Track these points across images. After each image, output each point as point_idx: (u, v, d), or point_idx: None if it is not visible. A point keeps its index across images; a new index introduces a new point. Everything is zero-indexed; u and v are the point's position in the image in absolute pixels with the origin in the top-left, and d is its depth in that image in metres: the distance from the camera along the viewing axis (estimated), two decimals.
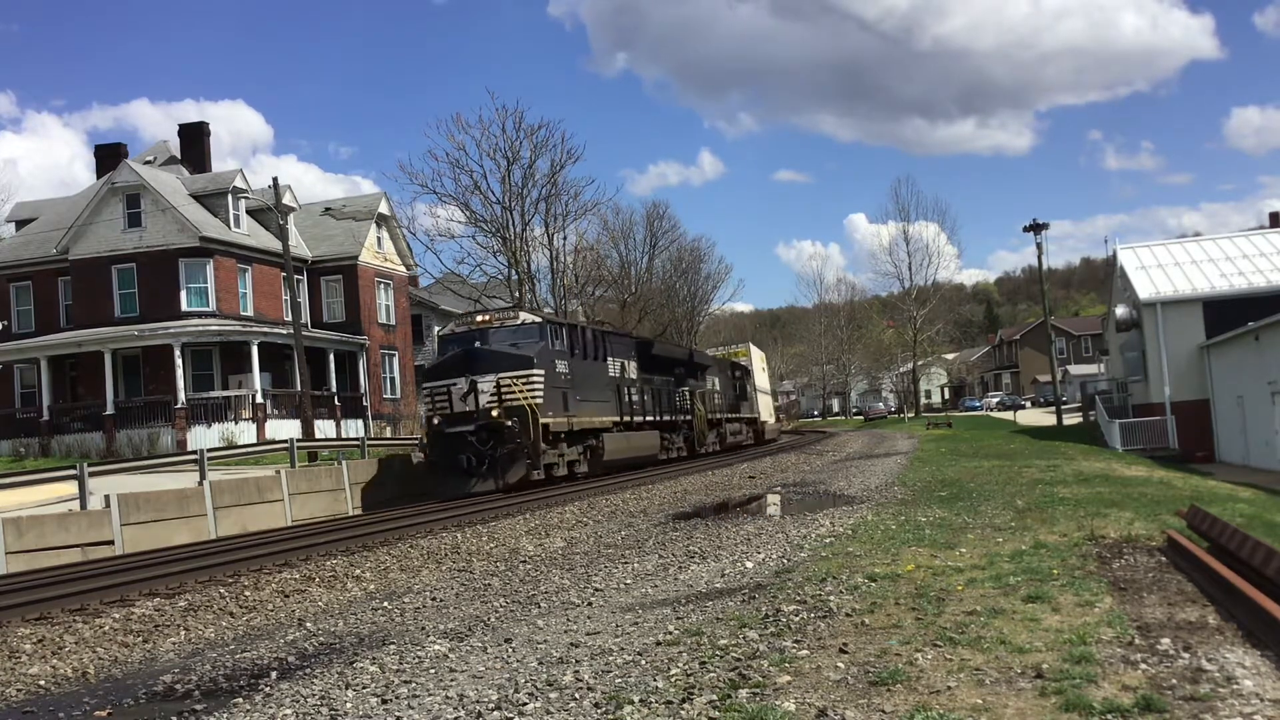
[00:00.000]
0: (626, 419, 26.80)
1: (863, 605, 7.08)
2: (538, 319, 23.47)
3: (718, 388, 38.90)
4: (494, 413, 20.79)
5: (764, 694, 5.08)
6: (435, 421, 21.46)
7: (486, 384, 21.18)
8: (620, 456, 25.80)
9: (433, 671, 6.25)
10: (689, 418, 33.23)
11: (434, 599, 9.44)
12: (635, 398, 27.84)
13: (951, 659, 5.48)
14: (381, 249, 43.32)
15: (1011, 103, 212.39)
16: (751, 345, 52.93)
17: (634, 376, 28.17)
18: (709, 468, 27.56)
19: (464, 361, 21.77)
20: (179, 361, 33.70)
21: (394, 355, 42.94)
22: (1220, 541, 8.35)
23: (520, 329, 22.75)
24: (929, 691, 4.93)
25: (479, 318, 24.11)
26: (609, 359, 26.43)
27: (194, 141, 43.81)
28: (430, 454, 21.96)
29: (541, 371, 21.63)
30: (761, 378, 51.61)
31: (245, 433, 33.47)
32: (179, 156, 43.14)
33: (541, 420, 21.12)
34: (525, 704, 5.28)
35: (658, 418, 29.61)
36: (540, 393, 21.30)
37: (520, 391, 20.95)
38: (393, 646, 7.20)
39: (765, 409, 50.73)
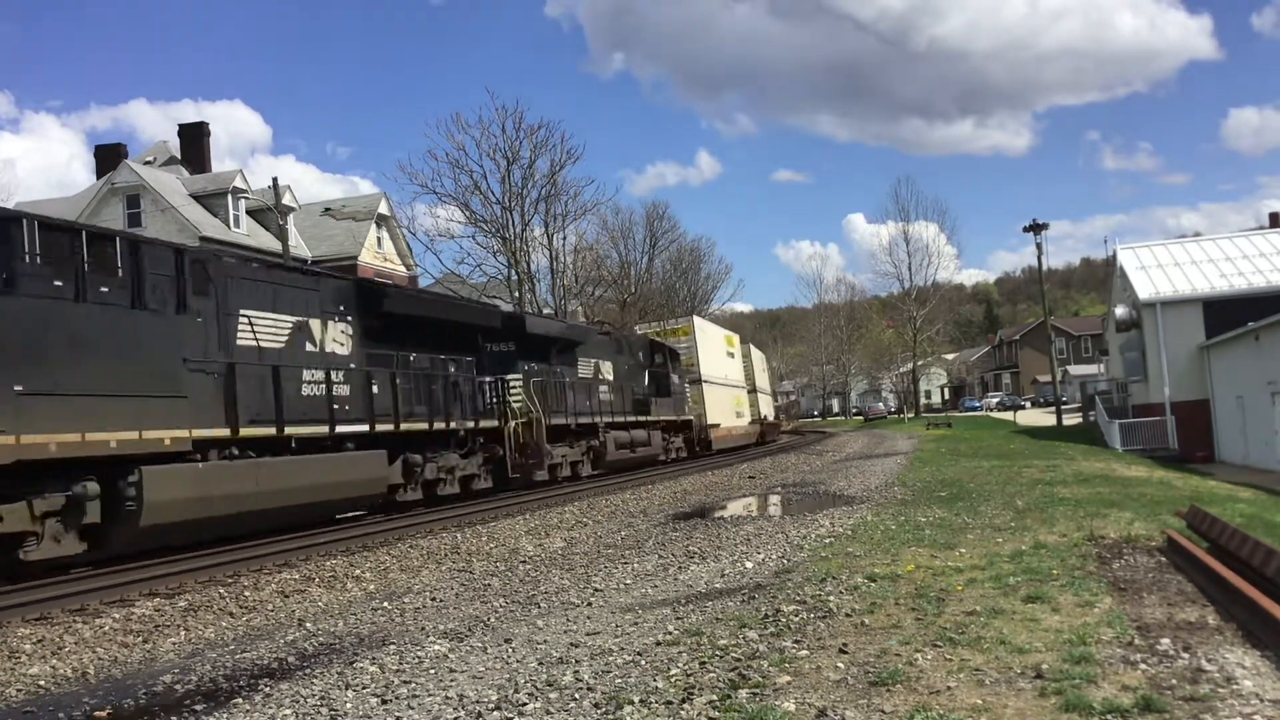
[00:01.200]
0: (268, 431, 14.01)
1: (862, 605, 7.09)
2: None
3: (605, 376, 26.55)
4: None
5: (764, 694, 5.08)
6: None
7: None
8: (212, 513, 12.90)
9: (433, 672, 6.25)
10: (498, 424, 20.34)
11: (434, 599, 9.44)
12: (336, 390, 15.60)
13: (951, 659, 5.48)
14: (382, 249, 43.37)
15: (1009, 103, 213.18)
16: (698, 320, 39.51)
17: (341, 351, 16.16)
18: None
19: None
20: None
21: None
22: (1220, 541, 8.36)
23: None
24: (929, 691, 4.93)
25: None
26: (222, 311, 13.67)
27: (194, 142, 43.91)
28: None
29: None
30: (722, 364, 38.99)
31: None
32: (179, 157, 43.24)
33: None
34: (525, 704, 5.29)
35: (394, 425, 16.72)
36: None
37: None
38: (393, 647, 7.21)
39: (720, 408, 37.24)
